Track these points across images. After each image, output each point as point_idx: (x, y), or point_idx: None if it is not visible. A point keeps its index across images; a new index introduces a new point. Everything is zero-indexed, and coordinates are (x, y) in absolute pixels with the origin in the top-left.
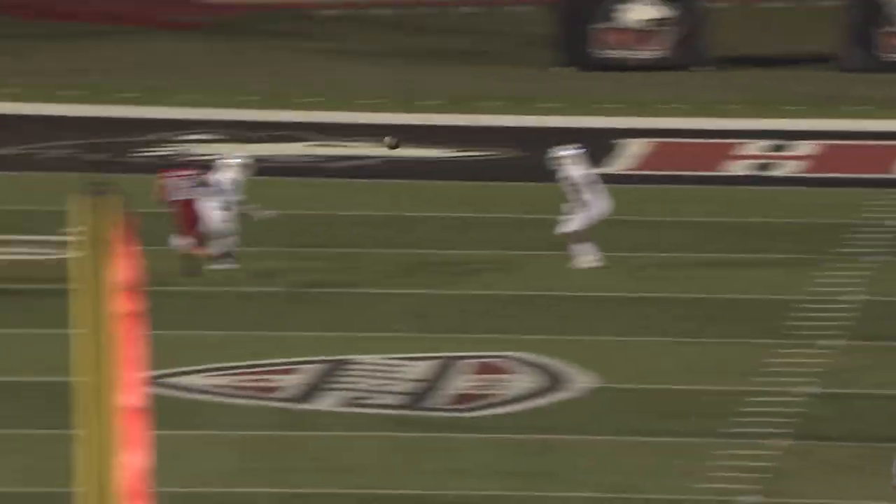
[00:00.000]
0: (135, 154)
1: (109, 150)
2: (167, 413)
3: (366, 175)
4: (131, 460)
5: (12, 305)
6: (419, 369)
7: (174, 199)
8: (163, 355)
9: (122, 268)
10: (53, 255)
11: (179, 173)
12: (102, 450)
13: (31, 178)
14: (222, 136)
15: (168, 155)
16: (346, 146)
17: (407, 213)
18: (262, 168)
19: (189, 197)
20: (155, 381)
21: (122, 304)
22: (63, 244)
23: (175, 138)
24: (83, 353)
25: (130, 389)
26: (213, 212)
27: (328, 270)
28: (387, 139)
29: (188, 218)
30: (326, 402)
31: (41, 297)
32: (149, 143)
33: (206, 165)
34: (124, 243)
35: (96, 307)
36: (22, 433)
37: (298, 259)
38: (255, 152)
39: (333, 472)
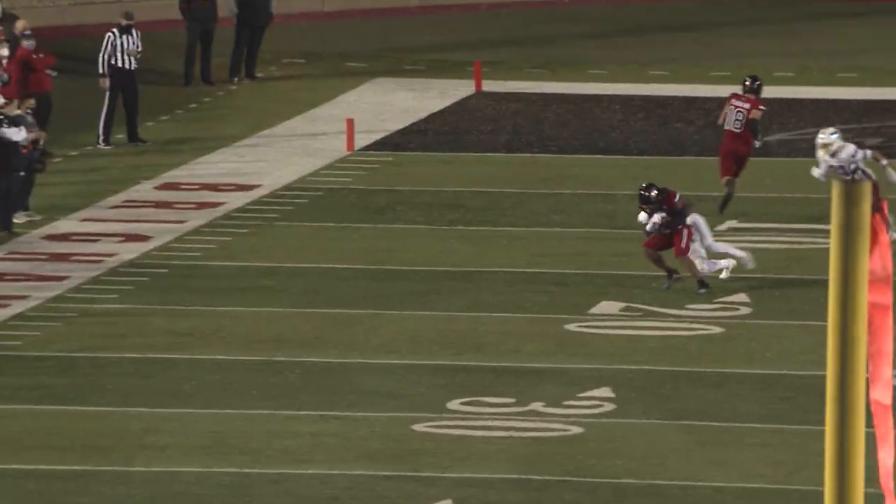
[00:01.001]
0: None
1: (884, 135)
2: None
3: None
4: (883, 458)
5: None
6: None
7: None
8: None
9: (875, 257)
10: (818, 244)
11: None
12: (849, 446)
13: (801, 164)
14: None
15: None
16: None
17: None
18: None
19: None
20: None
21: (874, 296)
22: (826, 233)
23: None
24: (832, 346)
25: (880, 385)
26: None
27: None
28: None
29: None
30: None
31: (810, 287)
32: None
33: None
34: (876, 231)
35: (849, 298)
36: (772, 427)
37: None
38: None
39: None
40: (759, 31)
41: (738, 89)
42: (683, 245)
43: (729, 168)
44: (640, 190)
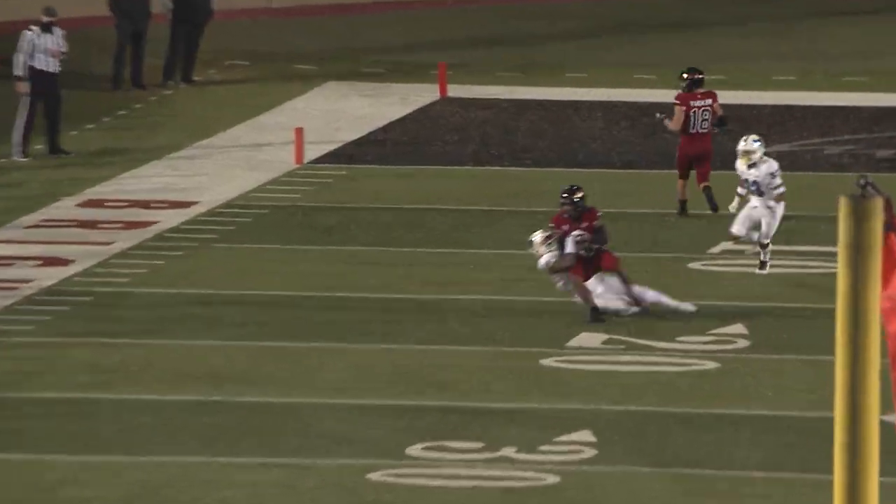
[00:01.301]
0: None
1: None
2: None
3: None
4: None
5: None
6: None
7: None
8: None
9: (894, 281)
10: (824, 268)
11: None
12: (860, 497)
13: (804, 178)
14: None
15: None
16: None
17: None
18: None
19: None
20: None
21: (890, 322)
22: (833, 255)
23: None
24: (840, 383)
25: None
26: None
27: None
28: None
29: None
30: None
31: (815, 316)
32: None
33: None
34: (893, 252)
35: (859, 328)
36: (772, 476)
37: None
38: None
39: None
40: (752, 31)
41: (676, 89)
42: (613, 255)
43: (688, 171)
44: (565, 192)
